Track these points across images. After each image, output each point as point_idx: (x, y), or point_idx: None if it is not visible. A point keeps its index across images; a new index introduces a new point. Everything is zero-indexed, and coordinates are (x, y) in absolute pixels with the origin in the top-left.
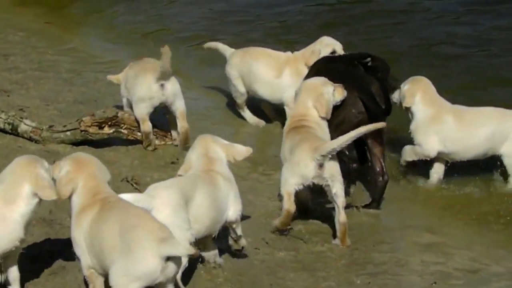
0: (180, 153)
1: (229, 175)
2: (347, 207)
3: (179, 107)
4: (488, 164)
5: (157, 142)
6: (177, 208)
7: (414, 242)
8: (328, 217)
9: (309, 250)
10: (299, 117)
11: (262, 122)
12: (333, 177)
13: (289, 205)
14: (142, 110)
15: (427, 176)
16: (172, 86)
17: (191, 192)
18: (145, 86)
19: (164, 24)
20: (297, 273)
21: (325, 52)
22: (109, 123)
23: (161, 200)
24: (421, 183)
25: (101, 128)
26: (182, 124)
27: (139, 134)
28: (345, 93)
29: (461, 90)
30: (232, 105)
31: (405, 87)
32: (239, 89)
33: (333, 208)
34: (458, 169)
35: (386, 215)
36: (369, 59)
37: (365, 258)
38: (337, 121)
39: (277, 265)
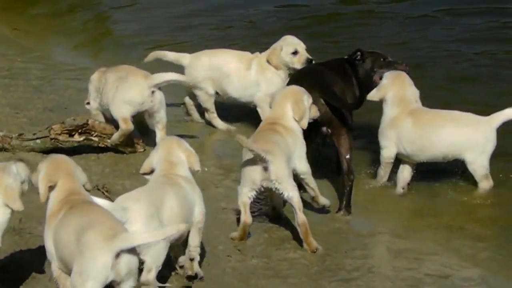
0: None
1: (191, 178)
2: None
3: (162, 117)
4: (458, 170)
5: (129, 149)
6: (148, 219)
7: (386, 248)
8: None
9: (281, 257)
10: (273, 120)
11: (232, 128)
12: (280, 180)
13: (246, 217)
14: (125, 112)
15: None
16: (160, 94)
17: (160, 199)
18: (138, 90)
19: (128, 29)
20: (269, 280)
21: (287, 51)
22: (80, 130)
23: (132, 213)
24: (391, 188)
25: (71, 135)
26: (161, 135)
27: (109, 141)
28: (318, 113)
29: (436, 91)
30: (202, 112)
31: (384, 81)
32: (208, 90)
33: (306, 214)
34: (427, 174)
35: (357, 222)
36: (358, 53)
37: (337, 265)
38: None
39: (249, 272)
